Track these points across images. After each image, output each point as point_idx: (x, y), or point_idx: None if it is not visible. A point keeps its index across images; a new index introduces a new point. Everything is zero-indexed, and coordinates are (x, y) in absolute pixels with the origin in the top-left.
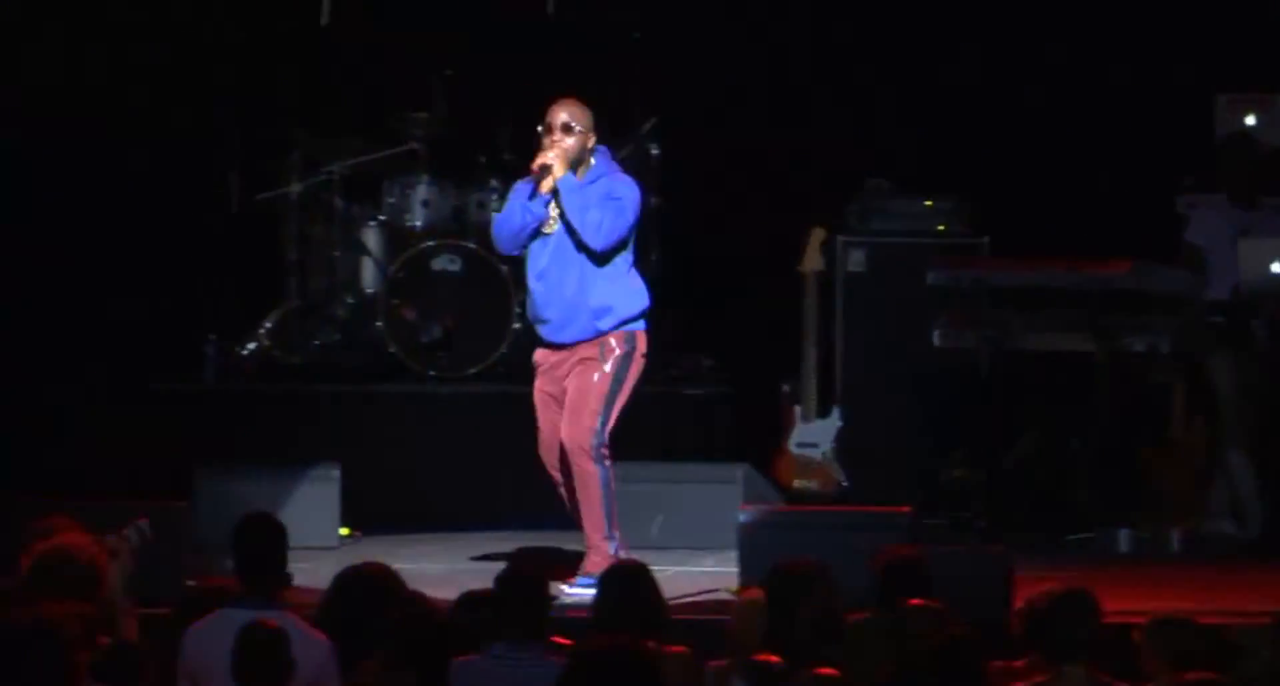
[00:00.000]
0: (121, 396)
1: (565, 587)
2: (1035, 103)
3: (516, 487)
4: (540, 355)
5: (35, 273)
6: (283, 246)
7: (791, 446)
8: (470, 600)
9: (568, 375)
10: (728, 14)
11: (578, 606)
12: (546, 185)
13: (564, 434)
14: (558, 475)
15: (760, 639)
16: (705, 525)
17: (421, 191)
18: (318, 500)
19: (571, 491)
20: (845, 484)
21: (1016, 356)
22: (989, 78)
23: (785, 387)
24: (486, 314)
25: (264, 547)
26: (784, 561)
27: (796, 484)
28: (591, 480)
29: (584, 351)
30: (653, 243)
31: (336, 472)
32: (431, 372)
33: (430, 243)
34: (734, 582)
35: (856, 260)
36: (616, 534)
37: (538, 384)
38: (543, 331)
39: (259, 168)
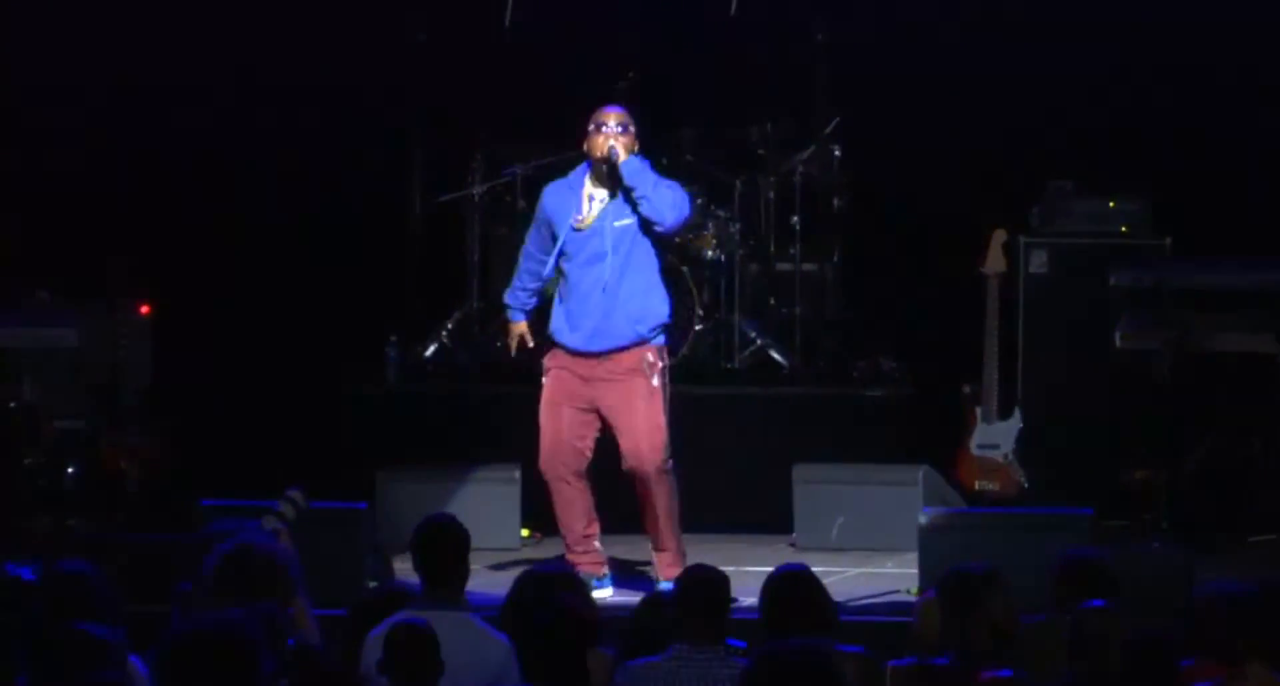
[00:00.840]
0: (307, 398)
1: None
2: (1220, 101)
3: (698, 489)
4: (560, 359)
5: (224, 276)
6: (465, 248)
7: (973, 448)
8: (654, 600)
9: (605, 392)
10: (910, 13)
11: None
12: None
13: (634, 455)
14: (564, 483)
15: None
16: (885, 527)
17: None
18: (499, 502)
19: (580, 499)
20: (1026, 485)
21: (1198, 357)
22: (1173, 77)
23: (966, 389)
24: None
25: (445, 550)
26: (958, 566)
27: (978, 485)
28: (666, 494)
29: (621, 364)
30: (835, 243)
31: (517, 474)
32: None
33: None
34: (913, 584)
35: (1039, 261)
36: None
37: (551, 388)
38: (573, 341)
39: (442, 169)
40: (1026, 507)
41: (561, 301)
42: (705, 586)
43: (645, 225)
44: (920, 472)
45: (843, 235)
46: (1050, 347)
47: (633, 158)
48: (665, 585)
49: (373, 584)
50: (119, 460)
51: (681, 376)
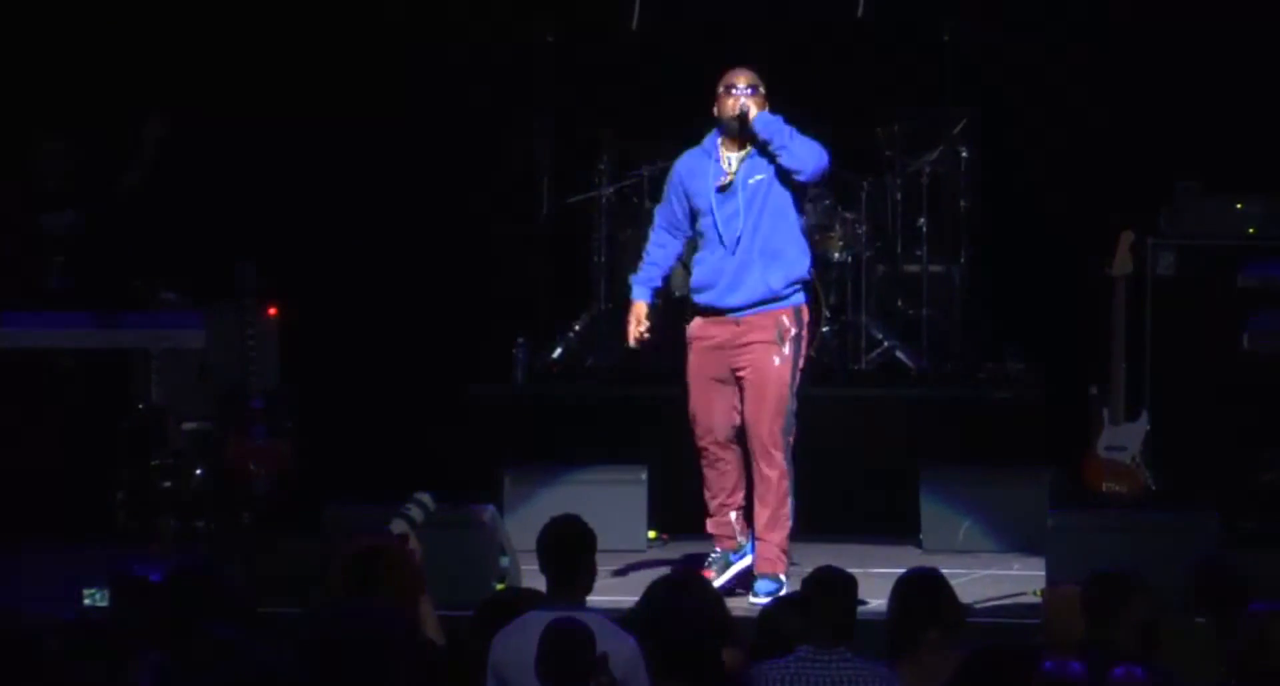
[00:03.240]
0: (435, 400)
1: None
2: None
3: (825, 491)
4: (700, 328)
5: (352, 278)
6: (592, 249)
7: (1100, 450)
8: (782, 602)
9: (739, 358)
10: (1039, 14)
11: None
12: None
13: (754, 429)
14: (712, 453)
15: (1080, 634)
16: (1013, 528)
17: None
18: (625, 503)
19: (730, 468)
20: (1154, 487)
21: None
22: None
23: (1093, 391)
24: None
25: (572, 550)
26: (1105, 567)
27: (1105, 487)
28: (781, 479)
29: (755, 331)
30: (963, 244)
31: (644, 476)
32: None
33: None
34: (1040, 585)
35: (1166, 263)
36: (789, 522)
37: (695, 363)
38: (706, 298)
39: (569, 171)
40: (1154, 510)
41: (700, 262)
42: (832, 588)
43: (784, 176)
44: (1047, 474)
45: (970, 236)
46: (1178, 349)
47: (763, 113)
48: (768, 583)
49: (499, 585)
50: (246, 462)
51: (809, 378)
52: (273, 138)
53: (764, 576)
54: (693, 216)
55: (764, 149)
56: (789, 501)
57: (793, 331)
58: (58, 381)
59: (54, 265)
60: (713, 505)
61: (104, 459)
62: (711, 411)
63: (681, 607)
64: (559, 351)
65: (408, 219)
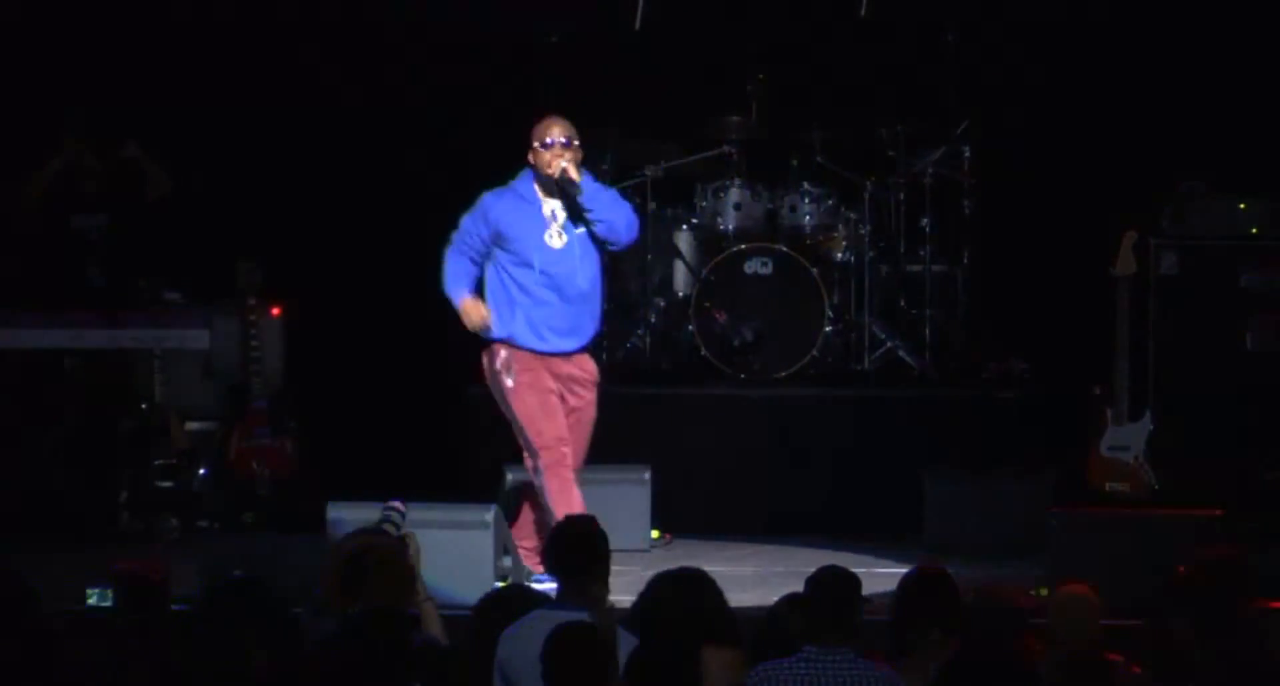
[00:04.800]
0: (436, 399)
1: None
2: None
3: (828, 492)
4: (529, 364)
5: (354, 278)
6: None
7: (1103, 449)
8: (785, 602)
9: (568, 391)
10: (1039, 14)
11: None
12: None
13: (578, 458)
14: (565, 467)
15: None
16: (1015, 527)
17: (734, 195)
18: (628, 503)
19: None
20: (1156, 487)
21: None
22: None
23: (1097, 390)
24: (798, 317)
25: (581, 550)
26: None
27: (1108, 486)
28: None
29: (584, 368)
30: (965, 244)
31: (647, 475)
32: (742, 375)
33: (742, 246)
34: (1043, 584)
35: (1169, 263)
36: None
37: (531, 380)
38: (542, 345)
39: None
40: (1157, 509)
41: (525, 308)
42: (835, 588)
43: (596, 240)
44: (1049, 473)
45: (973, 236)
46: (1181, 349)
47: (587, 178)
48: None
49: (500, 583)
50: (249, 461)
51: (812, 378)
52: (277, 137)
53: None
54: (509, 257)
55: (578, 213)
56: None
57: (597, 379)
58: (62, 381)
59: (87, 266)
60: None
61: (107, 458)
62: (559, 422)
63: (679, 603)
64: None
65: (410, 219)
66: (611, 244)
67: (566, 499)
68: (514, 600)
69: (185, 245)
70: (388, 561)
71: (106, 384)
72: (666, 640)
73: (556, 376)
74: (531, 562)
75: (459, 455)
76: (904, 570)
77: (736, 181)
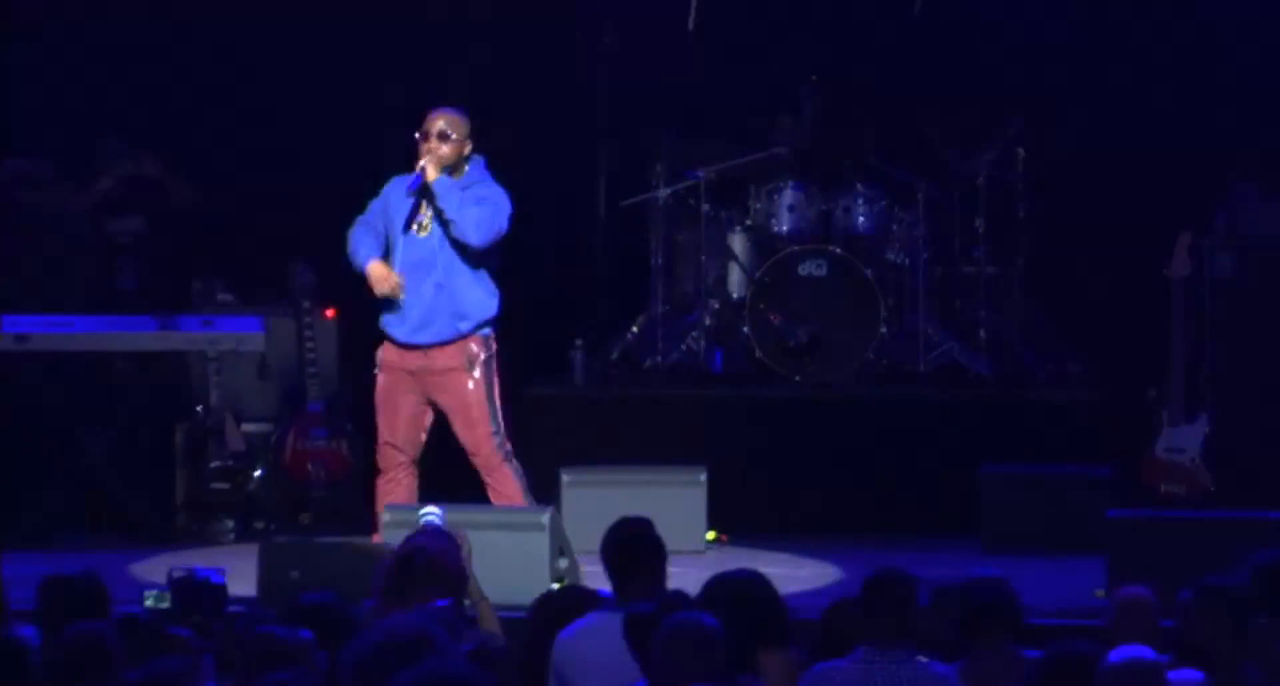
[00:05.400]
0: None
1: None
2: None
3: (884, 493)
4: (391, 354)
5: None
6: (649, 251)
7: (1159, 451)
8: (842, 603)
9: (433, 385)
10: (1095, 13)
11: None
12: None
13: (467, 446)
14: (393, 473)
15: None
16: (1072, 528)
17: (788, 196)
18: (684, 504)
19: (402, 489)
20: (1213, 488)
21: None
22: None
23: (1152, 392)
24: (853, 318)
25: (638, 553)
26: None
27: (1164, 488)
28: (508, 479)
29: (446, 359)
30: (1020, 246)
31: (703, 477)
32: (797, 377)
33: (796, 247)
34: (1100, 586)
35: (1224, 265)
36: None
37: (385, 384)
38: (399, 333)
39: (626, 173)
40: (1214, 510)
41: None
42: (892, 588)
43: (450, 239)
44: (1106, 475)
45: (1028, 237)
46: (1236, 350)
47: (441, 178)
48: None
49: (556, 585)
50: (305, 463)
51: (867, 380)
52: (330, 139)
53: None
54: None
55: (440, 212)
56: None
57: (481, 356)
58: (116, 383)
59: (122, 269)
60: None
61: (163, 461)
62: (396, 429)
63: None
64: (617, 352)
65: None
66: (466, 244)
67: (382, 492)
68: (571, 602)
69: (238, 248)
70: (435, 563)
71: (162, 386)
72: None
73: (413, 372)
74: None
75: (516, 456)
76: (961, 572)
77: (790, 183)
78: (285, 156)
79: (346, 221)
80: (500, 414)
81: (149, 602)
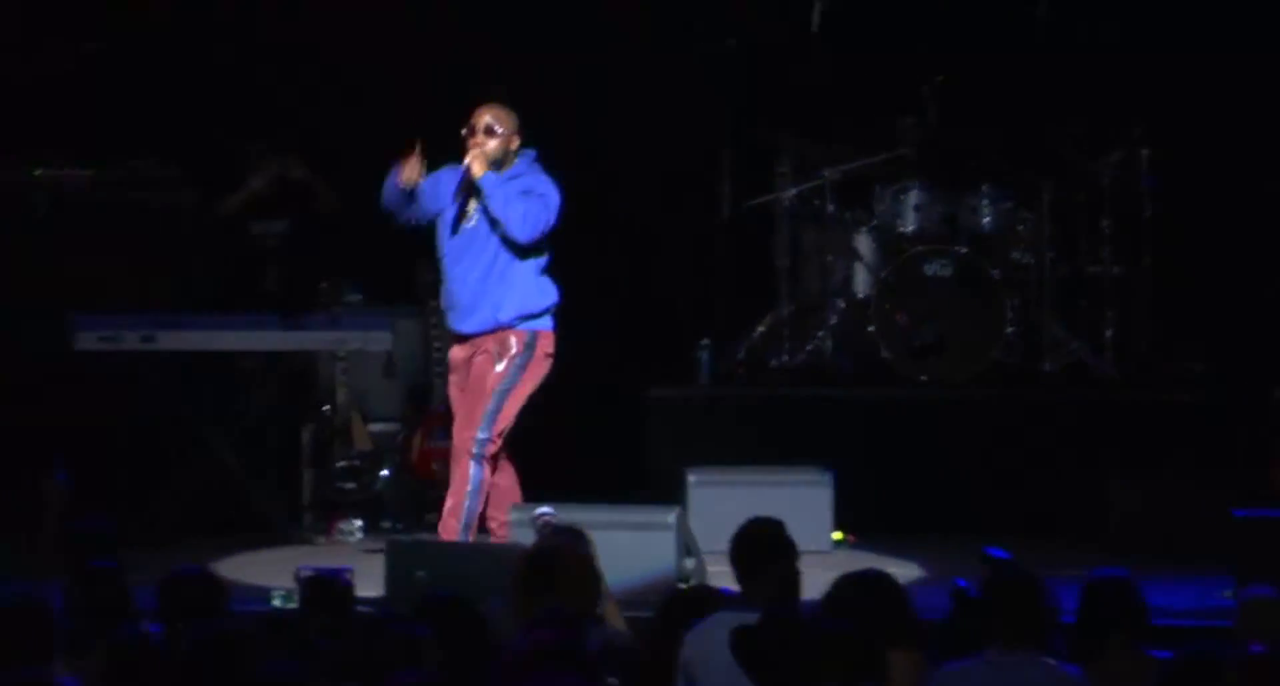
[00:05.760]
0: (619, 401)
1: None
2: None
3: (1011, 493)
4: (453, 351)
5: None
6: (774, 252)
7: None
8: (968, 603)
9: (470, 368)
10: (1214, 15)
11: None
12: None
13: (455, 430)
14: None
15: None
16: (1198, 530)
17: (913, 196)
18: (810, 504)
19: (500, 488)
20: None
21: None
22: None
23: (1278, 393)
24: (978, 319)
25: (764, 553)
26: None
27: None
28: (462, 478)
29: (485, 345)
30: (1145, 246)
31: (829, 477)
32: (923, 377)
33: (922, 247)
34: (1230, 586)
35: None
36: (470, 537)
37: (452, 380)
38: (450, 319)
39: (751, 174)
40: None
41: (443, 284)
42: (1017, 589)
43: (495, 231)
44: (1230, 476)
45: (1153, 238)
46: None
47: (488, 175)
48: None
49: (683, 585)
50: (431, 463)
51: (992, 380)
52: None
53: None
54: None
55: (486, 207)
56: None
57: (514, 351)
58: (244, 383)
59: (267, 271)
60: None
61: (290, 460)
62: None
63: (865, 606)
64: (742, 352)
65: (590, 221)
66: (511, 238)
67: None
68: (697, 601)
69: (365, 248)
70: (569, 564)
71: (289, 386)
72: (850, 642)
73: (463, 363)
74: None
75: (640, 457)
76: (1086, 573)
77: (916, 183)
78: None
79: None
80: (506, 416)
81: (276, 602)
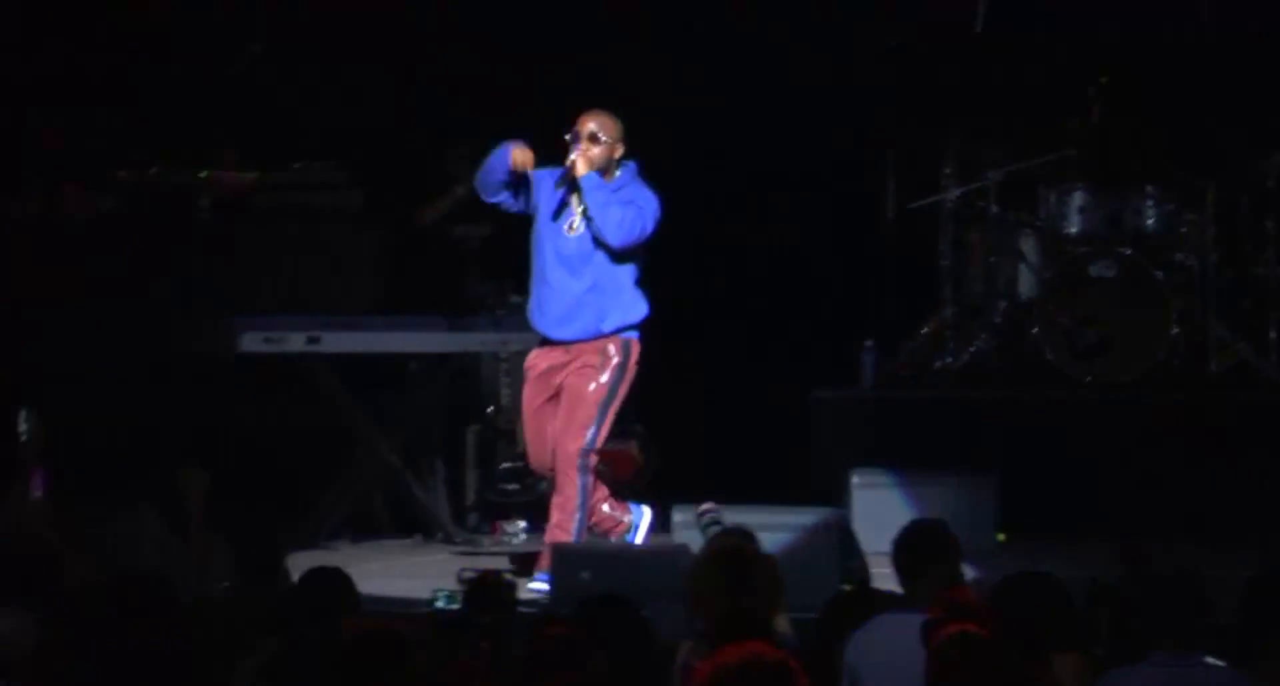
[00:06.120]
0: (783, 403)
1: (528, 584)
2: None
3: (1176, 495)
4: (536, 357)
5: (701, 283)
6: (938, 253)
7: None
8: (1135, 607)
9: (563, 378)
10: None
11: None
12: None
13: (554, 440)
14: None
15: None
16: None
17: (1077, 198)
18: (975, 505)
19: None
20: None
21: None
22: None
23: None
24: (1142, 320)
25: (931, 554)
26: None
27: None
28: (572, 487)
29: (583, 356)
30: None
31: (994, 478)
32: (1087, 378)
33: (1086, 248)
34: None
35: None
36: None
37: (527, 393)
38: (542, 326)
39: (914, 175)
40: None
41: (535, 288)
42: (1181, 592)
43: (597, 239)
44: None
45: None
46: None
47: (591, 175)
48: (541, 576)
49: (847, 586)
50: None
51: (1157, 382)
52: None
53: (543, 571)
54: (534, 234)
55: (585, 208)
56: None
57: (615, 360)
58: (409, 385)
59: (468, 274)
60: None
61: (454, 462)
62: (540, 439)
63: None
64: (906, 354)
65: (753, 223)
66: (606, 241)
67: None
68: (861, 603)
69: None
70: (766, 565)
71: (453, 387)
72: (1016, 643)
73: (551, 370)
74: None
75: (804, 458)
76: (1252, 574)
77: (1080, 184)
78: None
79: None
80: (606, 425)
81: (440, 603)
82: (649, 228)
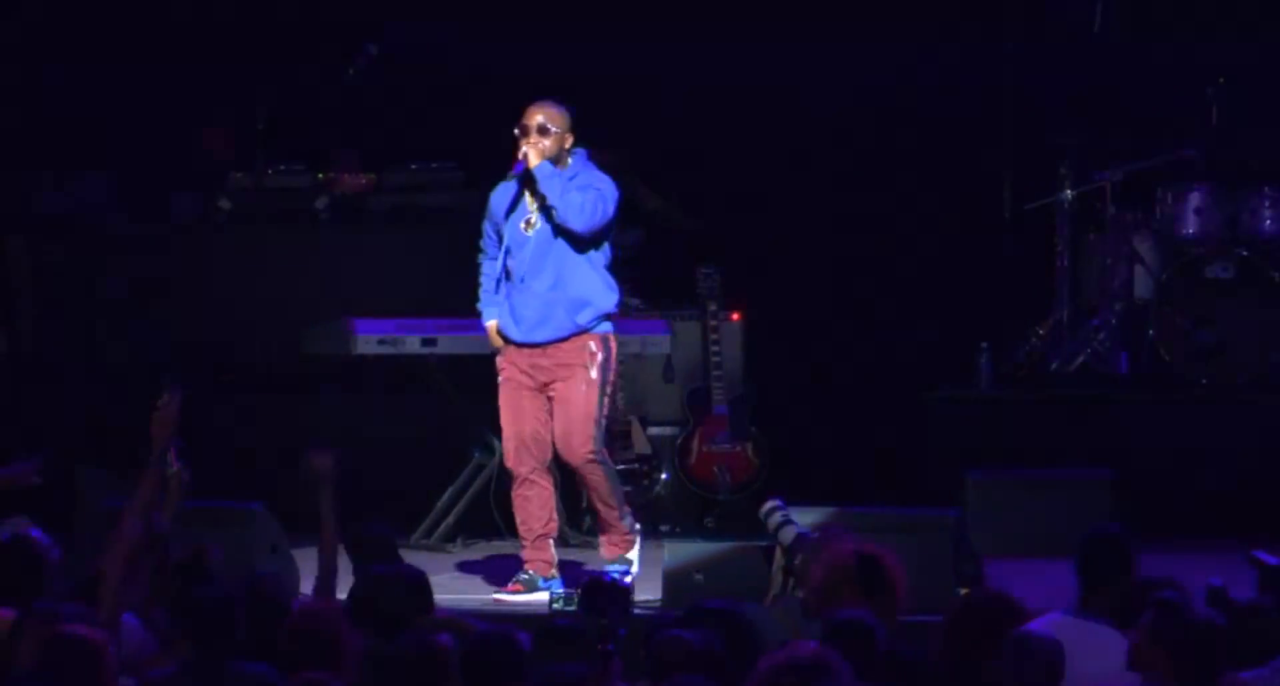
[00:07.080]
0: (898, 403)
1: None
2: None
3: (1264, 497)
4: (509, 360)
5: (814, 283)
6: (1055, 253)
7: None
8: (1255, 612)
9: (549, 381)
10: None
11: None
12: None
13: (558, 442)
14: (528, 481)
15: None
16: None
17: (1194, 199)
18: (1090, 506)
19: (540, 497)
20: None
21: None
22: None
23: None
24: (1260, 321)
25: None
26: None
27: None
28: (599, 478)
29: (565, 355)
30: None
31: (1110, 479)
32: (1204, 380)
33: (1203, 250)
34: None
35: None
36: (628, 510)
37: (506, 388)
38: (517, 333)
39: (1031, 175)
40: None
41: (505, 298)
42: None
43: (559, 228)
44: None
45: None
46: None
47: (544, 164)
48: (619, 563)
49: (963, 590)
50: (711, 466)
51: (1274, 383)
52: (735, 143)
53: (616, 560)
54: (504, 246)
55: (542, 200)
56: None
57: (600, 356)
58: None
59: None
60: (528, 536)
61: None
62: (523, 435)
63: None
64: (1022, 355)
65: (868, 224)
66: (570, 230)
67: (518, 503)
68: (986, 609)
69: (644, 252)
70: (898, 570)
71: None
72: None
73: (533, 368)
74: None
75: (919, 458)
76: None
77: (1197, 185)
78: (692, 161)
79: (755, 226)
80: (603, 416)
81: (555, 605)
82: (610, 210)
